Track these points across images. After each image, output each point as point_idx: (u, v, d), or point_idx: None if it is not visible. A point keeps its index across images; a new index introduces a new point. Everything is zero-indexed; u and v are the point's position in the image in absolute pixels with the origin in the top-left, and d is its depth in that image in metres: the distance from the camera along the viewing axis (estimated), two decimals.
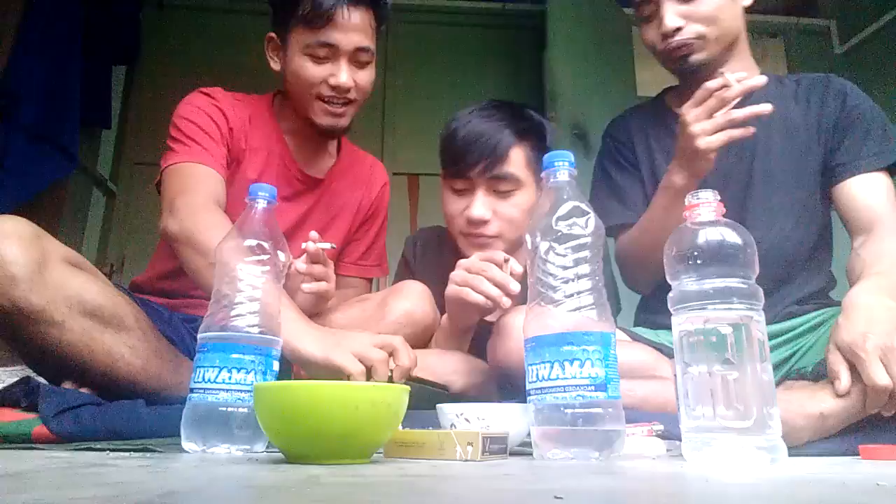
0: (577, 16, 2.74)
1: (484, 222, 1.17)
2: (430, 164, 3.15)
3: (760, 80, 1.03)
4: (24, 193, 2.06)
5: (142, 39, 3.03)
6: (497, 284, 1.02)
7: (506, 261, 1.04)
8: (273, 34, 1.23)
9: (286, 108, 1.30)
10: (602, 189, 1.34)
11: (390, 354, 0.89)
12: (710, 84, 1.02)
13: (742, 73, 1.02)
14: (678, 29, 1.16)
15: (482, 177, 1.17)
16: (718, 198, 0.71)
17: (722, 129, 1.02)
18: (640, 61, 3.13)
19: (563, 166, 0.78)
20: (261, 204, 0.84)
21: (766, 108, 1.01)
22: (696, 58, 1.17)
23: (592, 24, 2.79)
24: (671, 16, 1.16)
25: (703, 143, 1.02)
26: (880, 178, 1.13)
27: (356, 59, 1.18)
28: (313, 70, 1.16)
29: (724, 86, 1.01)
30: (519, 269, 1.03)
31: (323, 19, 1.13)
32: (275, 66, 1.24)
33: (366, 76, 1.22)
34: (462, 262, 1.08)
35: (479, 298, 1.02)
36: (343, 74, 1.16)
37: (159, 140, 1.20)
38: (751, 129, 1.02)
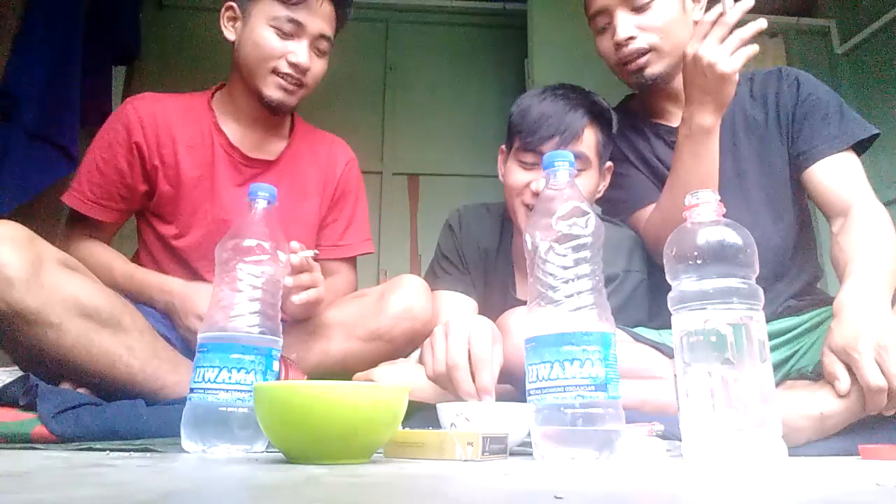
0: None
1: None
2: (430, 164, 3.15)
3: None
4: (23, 193, 2.05)
5: (142, 39, 3.03)
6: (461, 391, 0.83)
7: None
8: (233, 3, 1.22)
9: (228, 96, 1.27)
10: (605, 190, 1.31)
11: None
12: (708, 16, 1.02)
13: (730, 1, 1.01)
14: (631, 38, 1.17)
15: None
16: (718, 198, 0.71)
17: (736, 50, 1.01)
18: None
19: (563, 166, 0.78)
20: (260, 204, 0.84)
21: (762, 22, 1.01)
22: (651, 71, 1.19)
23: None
24: (624, 25, 1.17)
25: (728, 66, 1.01)
26: (845, 159, 1.13)
27: (316, 45, 1.21)
28: (275, 43, 1.17)
29: (721, 14, 1.01)
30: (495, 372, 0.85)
31: None
32: (229, 35, 1.23)
33: (321, 65, 1.23)
34: (440, 339, 0.90)
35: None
36: (304, 54, 1.18)
37: None
38: (756, 46, 1.02)
